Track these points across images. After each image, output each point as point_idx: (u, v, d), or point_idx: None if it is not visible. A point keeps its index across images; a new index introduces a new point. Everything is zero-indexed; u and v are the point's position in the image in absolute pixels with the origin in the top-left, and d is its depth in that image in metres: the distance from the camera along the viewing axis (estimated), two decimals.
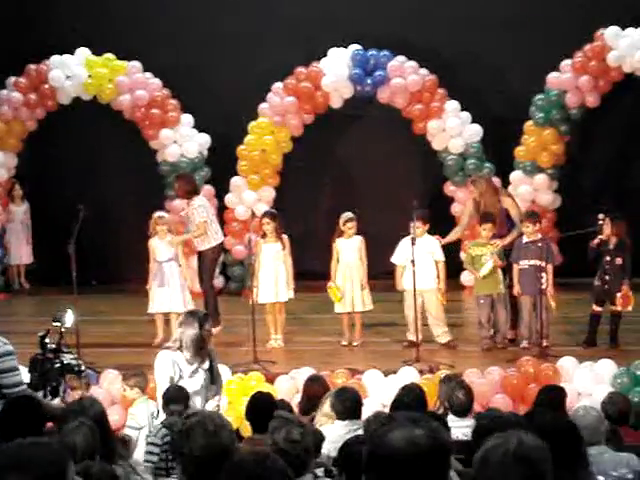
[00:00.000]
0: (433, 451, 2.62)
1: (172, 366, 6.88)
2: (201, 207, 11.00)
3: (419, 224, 9.99)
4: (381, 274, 11.14)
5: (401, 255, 10.19)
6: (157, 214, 10.71)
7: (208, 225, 10.98)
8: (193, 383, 6.85)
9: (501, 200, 10.45)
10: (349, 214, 10.33)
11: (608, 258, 9.71)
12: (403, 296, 10.09)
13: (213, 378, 7.02)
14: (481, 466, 2.73)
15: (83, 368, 6.33)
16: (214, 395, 7.08)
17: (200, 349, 6.86)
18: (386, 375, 8.83)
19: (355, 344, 10.31)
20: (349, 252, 10.27)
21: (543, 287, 9.59)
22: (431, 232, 10.19)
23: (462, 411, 6.61)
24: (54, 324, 6.66)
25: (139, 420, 7.53)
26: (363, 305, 10.28)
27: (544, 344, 9.54)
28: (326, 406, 6.80)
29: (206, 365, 6.93)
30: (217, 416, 3.76)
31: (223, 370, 8.98)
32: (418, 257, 9.99)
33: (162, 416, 7.06)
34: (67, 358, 6.16)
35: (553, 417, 4.15)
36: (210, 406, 7.00)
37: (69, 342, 7.86)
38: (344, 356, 9.99)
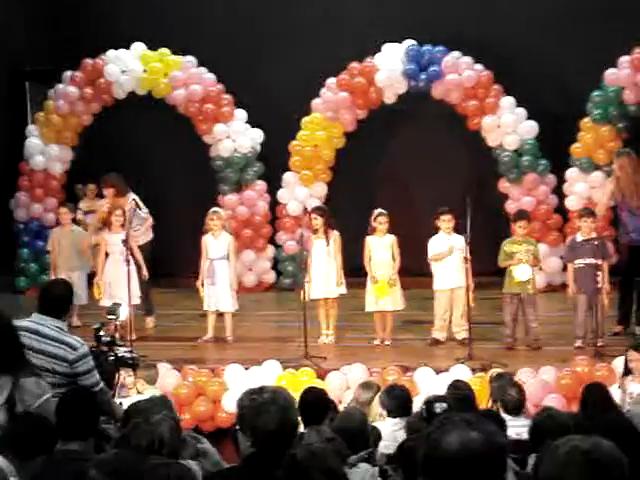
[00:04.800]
0: (489, 454, 2.59)
1: None
2: (138, 201, 11.24)
3: (449, 217, 9.98)
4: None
5: (433, 254, 10.16)
6: (211, 210, 10.73)
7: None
8: None
9: None
10: (380, 210, 10.28)
11: None
12: (435, 293, 10.17)
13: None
14: (548, 464, 2.64)
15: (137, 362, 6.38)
16: None
17: None
18: (437, 373, 8.79)
19: (387, 343, 10.25)
20: (381, 250, 10.21)
21: (599, 286, 9.48)
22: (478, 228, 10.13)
23: (515, 409, 6.56)
24: (109, 317, 6.73)
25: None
26: (393, 304, 10.22)
27: (599, 344, 9.42)
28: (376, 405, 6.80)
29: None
30: (286, 393, 3.87)
31: (274, 365, 9.03)
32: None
33: None
34: (121, 351, 6.22)
35: (613, 417, 4.08)
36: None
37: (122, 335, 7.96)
38: (395, 353, 9.95)
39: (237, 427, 3.88)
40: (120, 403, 6.52)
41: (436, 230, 10.22)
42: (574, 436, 2.67)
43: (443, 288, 10.15)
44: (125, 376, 7.39)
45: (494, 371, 8.16)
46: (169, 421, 4.39)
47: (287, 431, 3.73)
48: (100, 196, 12.46)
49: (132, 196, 11.28)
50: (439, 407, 5.49)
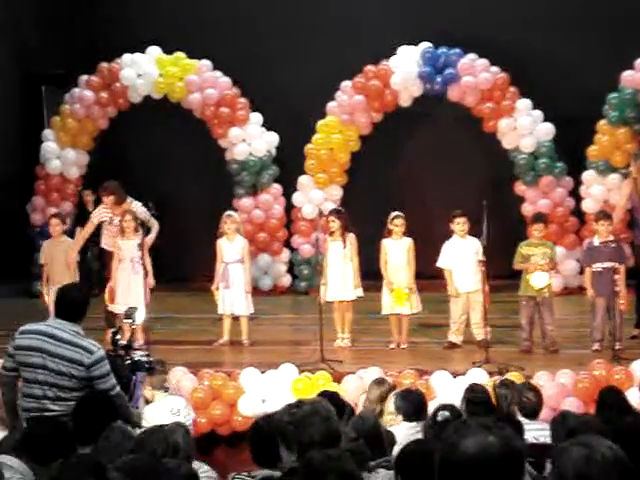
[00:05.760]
0: (506, 458, 2.58)
1: None
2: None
3: (464, 220, 9.92)
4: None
5: (448, 258, 10.10)
6: (226, 213, 10.72)
7: None
8: None
9: None
10: (397, 212, 10.24)
11: None
12: (451, 297, 10.10)
13: None
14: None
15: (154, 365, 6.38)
16: None
17: None
18: (454, 376, 8.75)
19: (403, 346, 10.21)
20: (397, 253, 10.17)
21: (617, 289, 9.43)
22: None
23: (532, 413, 6.55)
24: (125, 321, 6.73)
25: (150, 419, 6.92)
26: (410, 308, 10.16)
27: (617, 347, 9.36)
28: (390, 405, 6.78)
29: None
30: (325, 403, 3.87)
31: (290, 369, 9.01)
32: (463, 258, 9.91)
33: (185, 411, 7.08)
34: (138, 355, 6.22)
35: (631, 420, 4.05)
36: None
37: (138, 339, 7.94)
38: (411, 356, 9.92)
39: (279, 443, 3.83)
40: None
41: (451, 233, 10.18)
42: (584, 444, 2.68)
43: (459, 292, 10.10)
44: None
45: (496, 378, 8.06)
46: (181, 428, 4.40)
47: (332, 440, 3.72)
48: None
49: (135, 202, 11.10)
50: (441, 415, 5.49)
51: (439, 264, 10.17)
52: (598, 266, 9.68)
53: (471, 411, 6.10)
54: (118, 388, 5.72)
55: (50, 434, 4.72)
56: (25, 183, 13.96)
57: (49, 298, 10.41)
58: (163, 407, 7.44)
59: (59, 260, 10.78)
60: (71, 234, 12.14)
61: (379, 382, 7.61)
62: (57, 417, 5.33)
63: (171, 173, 14.19)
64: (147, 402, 7.55)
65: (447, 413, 5.46)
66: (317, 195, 13.42)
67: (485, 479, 2.55)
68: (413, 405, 6.47)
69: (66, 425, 4.93)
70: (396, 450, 5.52)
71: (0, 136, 14.03)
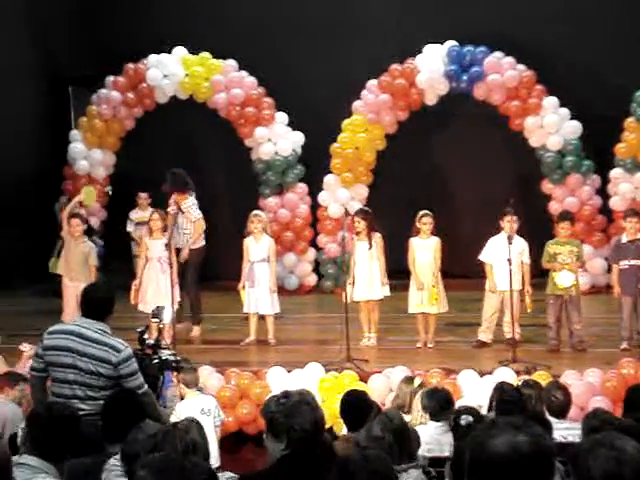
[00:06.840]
0: (536, 457, 2.57)
1: None
2: (195, 205, 10.89)
3: (514, 219, 9.83)
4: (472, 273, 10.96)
5: (491, 253, 10.02)
6: (253, 213, 10.72)
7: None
8: None
9: None
10: (425, 211, 10.20)
11: None
12: (486, 294, 9.99)
13: None
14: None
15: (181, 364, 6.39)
16: None
17: None
18: (481, 375, 8.72)
19: (430, 345, 10.17)
20: (424, 251, 10.14)
21: None
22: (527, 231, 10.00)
23: (560, 412, 6.51)
24: (153, 320, 6.75)
25: (179, 415, 6.88)
26: (437, 307, 10.10)
27: None
28: (418, 404, 6.78)
29: None
30: (311, 393, 4.02)
31: (316, 368, 9.01)
32: (506, 256, 9.83)
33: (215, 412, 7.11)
34: (165, 354, 6.24)
35: None
36: None
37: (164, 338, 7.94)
38: (438, 355, 9.89)
39: (265, 433, 3.88)
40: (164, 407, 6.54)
41: (498, 230, 10.06)
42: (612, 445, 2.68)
43: (497, 288, 10.02)
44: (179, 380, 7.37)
45: (522, 378, 8.02)
46: (195, 424, 4.41)
47: (320, 429, 3.87)
48: (154, 205, 12.18)
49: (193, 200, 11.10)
50: (464, 420, 5.47)
51: (481, 257, 10.09)
52: (625, 263, 9.63)
53: (502, 410, 6.07)
54: (146, 386, 5.73)
55: (44, 431, 4.51)
56: (52, 183, 14.04)
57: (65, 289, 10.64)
58: (194, 406, 7.46)
59: (76, 259, 10.62)
60: None
61: (408, 380, 7.61)
62: (59, 407, 5.07)
63: (197, 173, 14.16)
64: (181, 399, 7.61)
65: (471, 418, 5.45)
66: (343, 194, 13.41)
67: (515, 478, 2.54)
68: (440, 404, 6.46)
69: (67, 417, 4.69)
70: (423, 449, 5.53)
71: (28, 137, 14.14)
